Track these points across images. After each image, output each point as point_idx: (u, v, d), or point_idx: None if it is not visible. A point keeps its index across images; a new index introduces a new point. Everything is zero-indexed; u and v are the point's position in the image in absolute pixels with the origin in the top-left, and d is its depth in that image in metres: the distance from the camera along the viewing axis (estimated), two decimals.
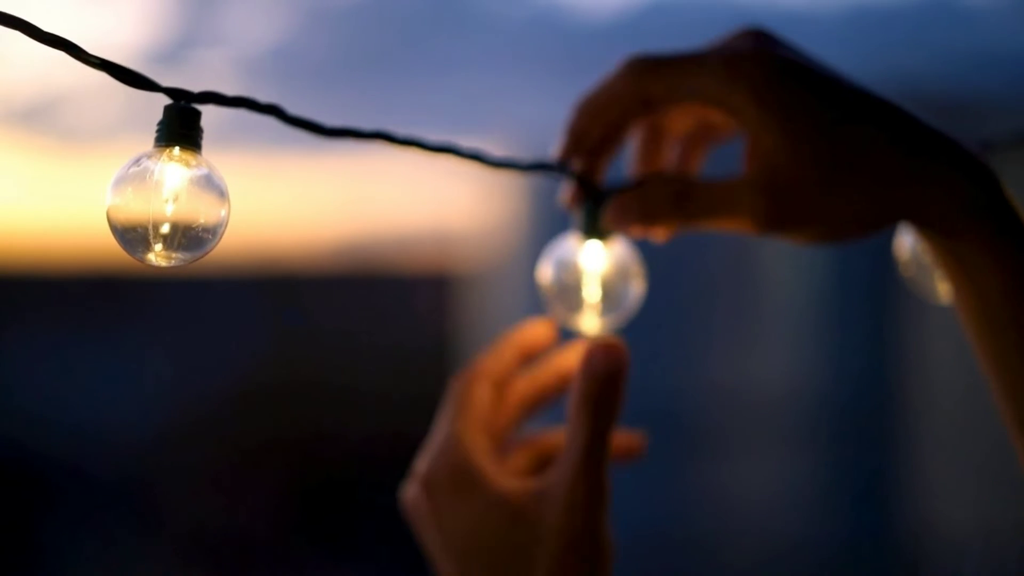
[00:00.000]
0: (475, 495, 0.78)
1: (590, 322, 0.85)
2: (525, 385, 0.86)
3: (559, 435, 0.87)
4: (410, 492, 0.82)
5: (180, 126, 0.73)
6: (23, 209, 7.80)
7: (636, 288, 0.85)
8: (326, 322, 7.46)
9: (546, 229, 5.28)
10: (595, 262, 0.84)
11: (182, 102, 0.74)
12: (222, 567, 6.65)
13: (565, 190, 0.85)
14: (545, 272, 0.85)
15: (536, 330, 0.88)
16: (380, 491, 7.45)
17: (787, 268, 4.83)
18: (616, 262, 0.84)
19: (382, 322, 7.41)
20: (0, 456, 7.08)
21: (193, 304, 7.49)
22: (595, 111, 0.82)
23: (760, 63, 0.77)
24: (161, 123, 0.74)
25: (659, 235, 0.83)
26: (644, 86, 0.79)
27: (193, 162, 0.74)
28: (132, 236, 0.73)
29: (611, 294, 0.84)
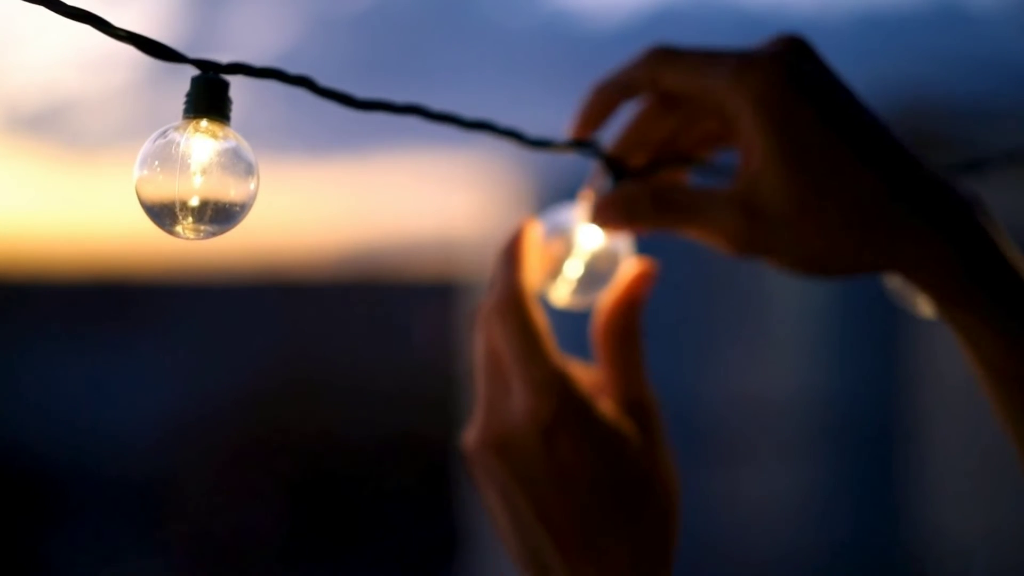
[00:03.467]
0: (603, 428, 0.78)
1: (560, 294, 0.83)
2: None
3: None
4: (517, 435, 0.78)
5: (208, 97, 0.71)
6: (36, 216, 7.82)
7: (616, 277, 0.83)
8: (332, 329, 7.47)
9: None
10: (591, 241, 0.82)
11: (210, 73, 0.72)
12: (231, 566, 6.68)
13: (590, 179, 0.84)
14: (538, 232, 0.83)
15: (531, 232, 0.83)
16: (387, 492, 7.46)
17: (805, 283, 4.83)
18: (608, 247, 0.82)
19: (388, 328, 7.43)
20: (14, 459, 7.13)
21: (201, 311, 7.51)
22: (608, 92, 0.81)
23: (771, 71, 0.73)
24: (188, 94, 0.72)
25: (638, 233, 0.81)
26: (658, 74, 0.78)
27: (221, 134, 0.71)
28: (160, 209, 0.71)
29: (591, 276, 0.82)
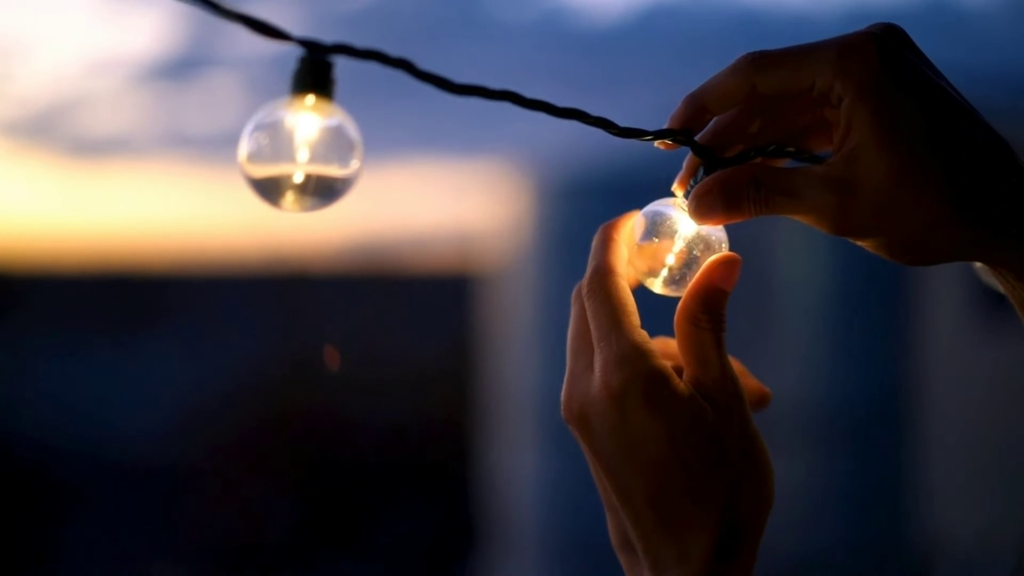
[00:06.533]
0: (676, 402, 0.78)
1: (660, 284, 0.85)
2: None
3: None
4: (593, 405, 0.80)
5: (313, 76, 0.73)
6: (48, 215, 7.84)
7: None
8: (345, 320, 7.47)
9: (557, 232, 5.29)
10: (688, 231, 0.84)
11: (315, 53, 0.74)
12: (244, 553, 6.68)
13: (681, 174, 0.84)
14: (637, 222, 0.85)
15: (627, 220, 0.86)
16: (404, 481, 7.42)
17: (802, 279, 4.84)
18: (705, 236, 0.84)
19: (400, 320, 7.43)
20: (27, 449, 7.12)
21: (218, 305, 7.51)
22: (700, 104, 0.81)
23: (874, 57, 0.75)
24: (294, 74, 0.73)
25: (737, 219, 0.81)
26: (753, 79, 0.79)
27: (326, 111, 0.73)
28: (266, 184, 0.73)
29: (690, 265, 0.83)
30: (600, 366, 0.79)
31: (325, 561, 6.69)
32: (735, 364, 0.86)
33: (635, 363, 0.78)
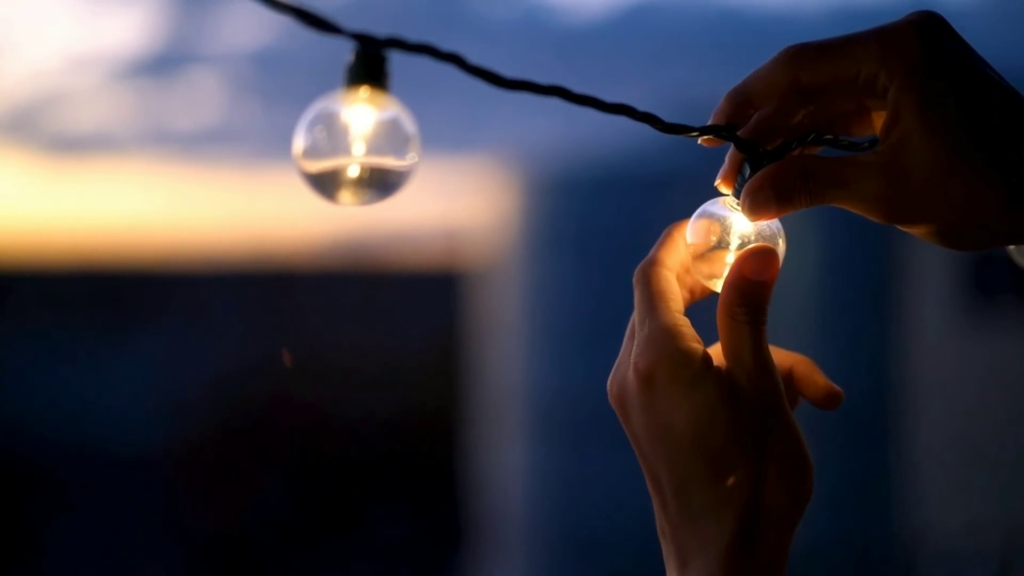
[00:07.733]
0: (700, 384, 0.78)
1: (719, 283, 0.84)
2: (690, 277, 0.86)
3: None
4: (628, 387, 0.80)
5: (368, 68, 0.73)
6: (33, 213, 7.81)
7: None
8: (333, 316, 7.47)
9: (545, 228, 5.30)
10: (742, 228, 0.84)
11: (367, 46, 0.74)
12: (233, 547, 6.68)
13: (723, 169, 0.84)
14: (694, 231, 0.85)
15: (683, 223, 0.86)
16: (385, 480, 7.44)
17: (794, 274, 4.86)
18: (758, 232, 0.84)
19: (388, 316, 7.43)
20: (14, 447, 7.12)
21: (205, 301, 7.50)
22: (743, 99, 0.82)
23: (917, 45, 0.76)
24: (349, 66, 0.74)
25: (789, 212, 0.82)
26: (796, 72, 0.79)
27: (381, 104, 0.73)
28: (321, 178, 0.73)
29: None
30: (634, 349, 0.81)
31: (313, 555, 6.70)
32: (803, 361, 0.89)
33: (663, 344, 0.79)
